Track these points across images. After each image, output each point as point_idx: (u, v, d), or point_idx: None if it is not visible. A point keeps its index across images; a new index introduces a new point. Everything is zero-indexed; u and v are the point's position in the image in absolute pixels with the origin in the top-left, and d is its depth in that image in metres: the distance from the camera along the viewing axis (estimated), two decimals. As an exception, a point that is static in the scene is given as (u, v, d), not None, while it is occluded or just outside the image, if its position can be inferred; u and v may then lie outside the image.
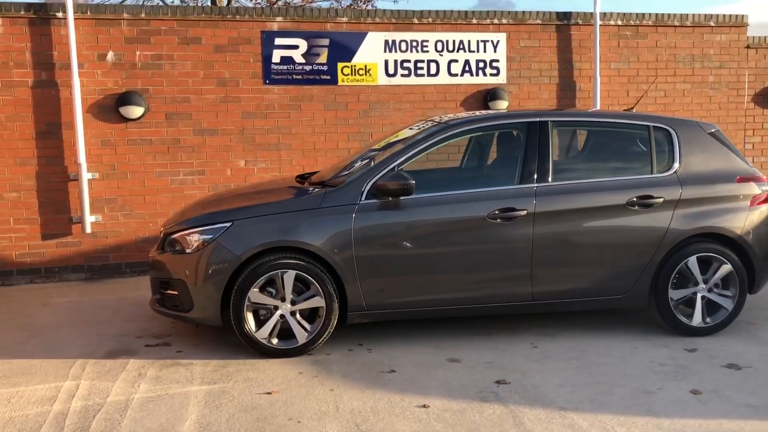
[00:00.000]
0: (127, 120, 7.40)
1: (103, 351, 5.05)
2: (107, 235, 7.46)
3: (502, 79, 8.34)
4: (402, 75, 8.06)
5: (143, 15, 7.39)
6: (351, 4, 20.89)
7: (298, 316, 4.86)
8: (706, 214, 5.16)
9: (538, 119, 5.21)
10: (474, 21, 8.22)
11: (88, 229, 7.32)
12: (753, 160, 8.95)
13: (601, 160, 5.40)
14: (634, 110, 5.91)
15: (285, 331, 4.86)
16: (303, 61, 7.78)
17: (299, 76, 7.80)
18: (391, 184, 4.79)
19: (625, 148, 5.40)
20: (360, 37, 7.91)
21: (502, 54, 8.31)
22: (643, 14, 8.71)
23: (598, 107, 8.48)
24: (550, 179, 5.06)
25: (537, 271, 5.01)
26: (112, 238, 7.48)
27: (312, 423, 3.86)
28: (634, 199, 5.07)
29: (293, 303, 4.84)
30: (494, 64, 8.30)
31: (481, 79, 8.28)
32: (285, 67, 7.75)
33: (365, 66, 7.95)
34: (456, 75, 8.20)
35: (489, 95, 8.21)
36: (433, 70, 8.14)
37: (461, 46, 8.18)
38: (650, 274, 5.13)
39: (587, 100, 8.61)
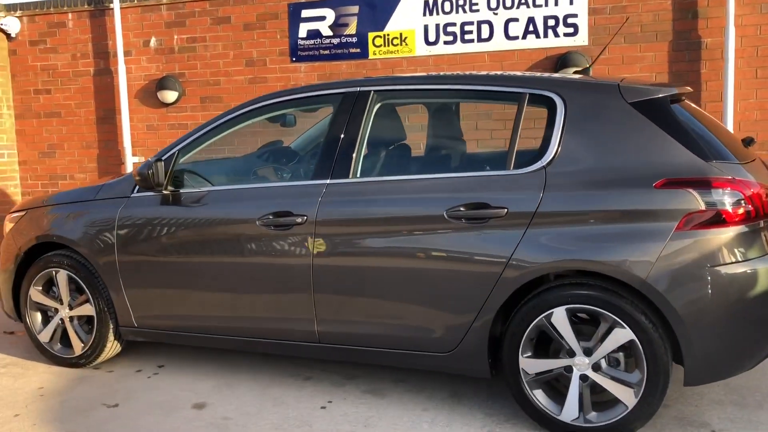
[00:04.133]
0: (166, 105, 7.44)
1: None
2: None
3: (581, 39, 6.22)
4: (445, 42, 6.57)
5: (180, -2, 7.30)
6: None
7: (76, 322, 4.26)
8: (584, 239, 3.06)
9: (357, 89, 3.66)
10: (541, -35, 6.28)
11: (133, 211, 7.56)
12: None
13: (443, 148, 3.60)
14: (590, 73, 3.82)
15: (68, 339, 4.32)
16: (330, 33, 6.86)
17: (327, 51, 6.90)
18: (139, 172, 3.85)
19: (485, 130, 3.50)
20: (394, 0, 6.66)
21: (581, 5, 6.20)
22: (823, -75, 5.65)
23: (731, 72, 5.79)
24: (351, 174, 3.53)
25: (320, 304, 3.56)
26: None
27: None
28: (461, 208, 3.24)
29: (71, 308, 4.25)
30: (570, 20, 6.24)
31: (550, 42, 6.30)
32: (312, 42, 6.93)
33: (400, 34, 6.67)
34: (516, 38, 6.38)
35: (560, 62, 6.21)
36: (485, 34, 6.45)
37: (523, 1, 6.32)
38: (485, 327, 3.25)
39: (716, 63, 5.95)
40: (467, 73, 3.65)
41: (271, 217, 3.60)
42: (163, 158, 3.89)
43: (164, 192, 3.92)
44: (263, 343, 3.77)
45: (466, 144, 3.83)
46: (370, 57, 6.79)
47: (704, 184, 2.96)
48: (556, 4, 6.24)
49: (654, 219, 2.97)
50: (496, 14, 6.40)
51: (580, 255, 3.05)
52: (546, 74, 3.53)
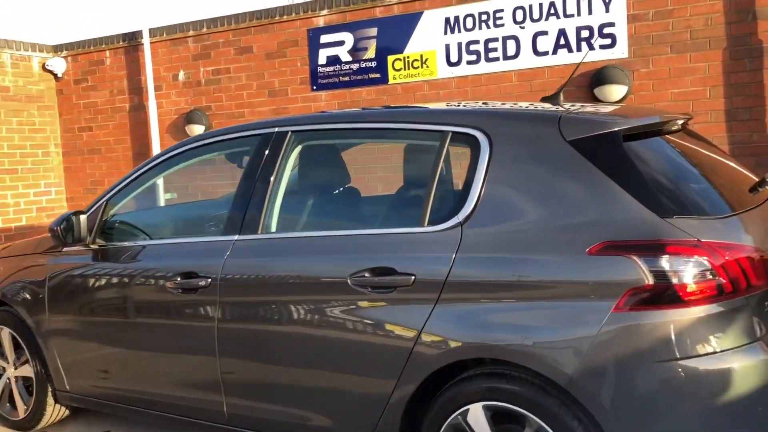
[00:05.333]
0: (194, 139, 7.27)
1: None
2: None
3: (619, 52, 5.40)
4: (468, 62, 5.94)
5: (204, 29, 7.12)
6: None
7: (21, 383, 4.02)
8: (499, 319, 2.38)
9: (275, 129, 3.16)
10: (571, -30, 5.52)
11: (165, 248, 7.44)
12: None
13: (371, 197, 3.03)
14: (560, 97, 3.12)
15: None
16: (350, 58, 6.40)
17: (346, 78, 6.46)
18: (50, 228, 3.55)
19: (406, 176, 2.89)
20: (413, 19, 6.11)
21: (619, 12, 5.38)
22: None
23: (802, 82, 4.79)
24: (260, 229, 3.03)
25: (227, 380, 3.07)
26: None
27: None
28: (365, 274, 2.65)
29: (15, 368, 4.02)
30: (606, 30, 5.43)
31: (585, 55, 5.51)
32: (331, 69, 6.50)
33: (421, 56, 6.10)
34: (545, 53, 5.65)
35: (596, 78, 5.41)
36: (511, 51, 5.77)
37: (552, 11, 5.58)
38: (395, 421, 2.63)
39: (784, 72, 4.95)
40: (390, 108, 3.09)
41: (179, 278, 3.17)
42: (88, 212, 3.58)
43: (91, 246, 3.60)
44: (178, 420, 3.33)
45: (391, 194, 3.24)
46: (390, 82, 6.28)
47: (653, 249, 2.21)
48: (590, 12, 5.46)
49: (586, 295, 2.26)
50: (522, 28, 5.70)
51: (491, 339, 2.38)
52: (473, 106, 2.88)
